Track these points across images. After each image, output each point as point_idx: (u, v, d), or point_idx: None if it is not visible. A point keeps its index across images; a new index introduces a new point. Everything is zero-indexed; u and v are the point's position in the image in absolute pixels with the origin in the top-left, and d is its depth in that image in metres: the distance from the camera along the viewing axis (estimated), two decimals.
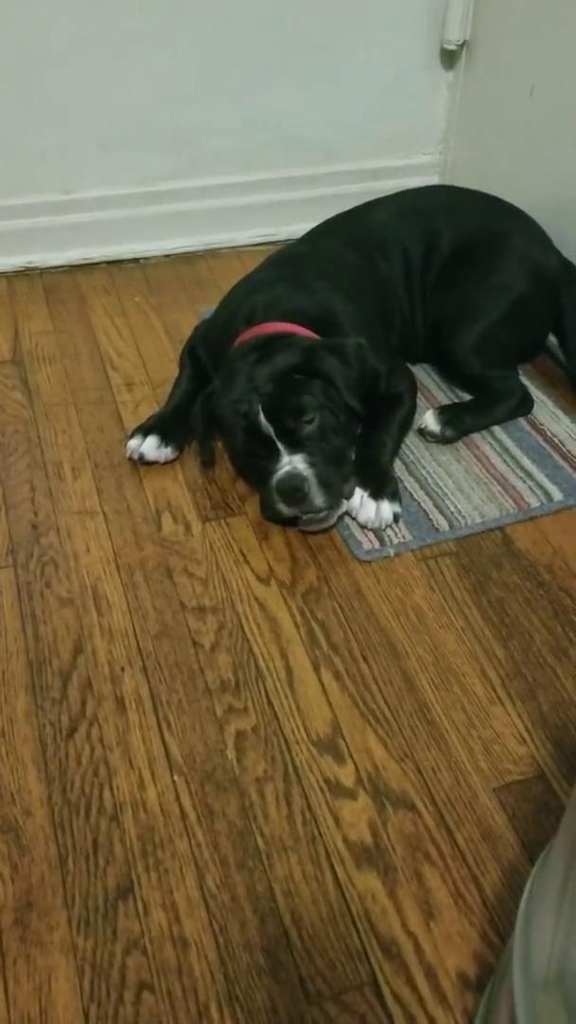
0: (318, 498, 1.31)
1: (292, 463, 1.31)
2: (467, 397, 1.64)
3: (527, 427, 1.58)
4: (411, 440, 1.55)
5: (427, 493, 1.45)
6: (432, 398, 1.65)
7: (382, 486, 1.39)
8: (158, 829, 1.01)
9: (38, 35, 1.81)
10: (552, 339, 1.72)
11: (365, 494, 1.38)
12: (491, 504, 1.42)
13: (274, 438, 1.32)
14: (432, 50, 2.05)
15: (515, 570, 1.32)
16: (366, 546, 1.36)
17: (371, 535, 1.37)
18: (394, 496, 1.40)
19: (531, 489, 1.45)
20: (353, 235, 1.64)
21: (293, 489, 1.30)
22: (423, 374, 1.70)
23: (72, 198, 2.02)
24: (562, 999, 0.60)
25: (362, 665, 1.19)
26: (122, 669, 1.19)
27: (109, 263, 2.08)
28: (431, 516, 1.41)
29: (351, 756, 1.09)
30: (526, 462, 1.51)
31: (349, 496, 1.38)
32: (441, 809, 1.03)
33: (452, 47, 2.02)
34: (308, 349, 1.36)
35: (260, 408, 1.32)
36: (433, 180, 2.20)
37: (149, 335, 1.84)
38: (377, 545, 1.36)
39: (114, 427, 1.59)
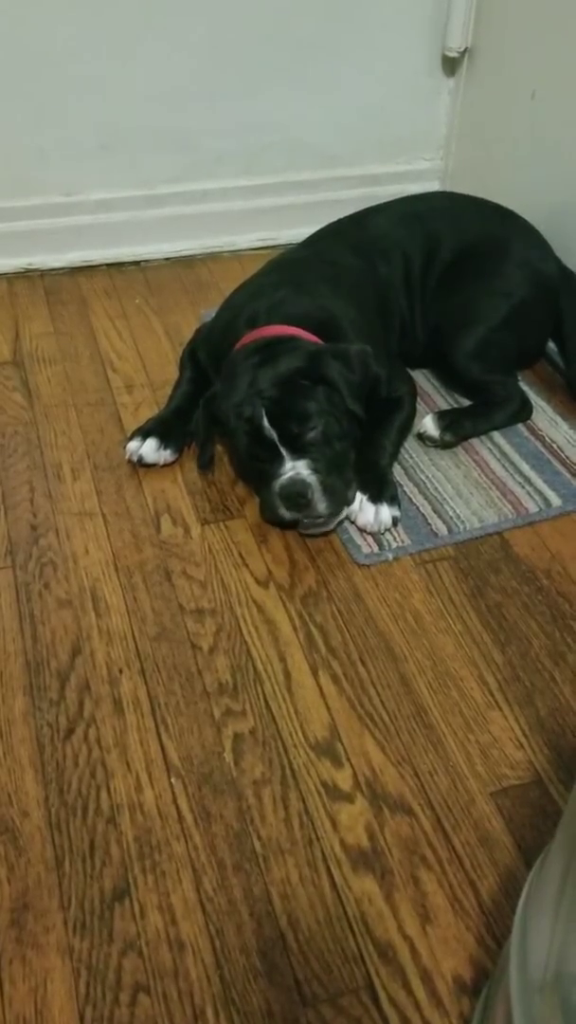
0: (321, 504, 1.31)
1: (296, 469, 1.31)
2: (466, 402, 1.65)
3: (526, 433, 1.59)
4: (410, 445, 1.55)
5: (426, 498, 1.45)
6: (432, 403, 1.66)
7: (381, 490, 1.39)
8: (155, 831, 1.01)
9: (40, 37, 1.82)
10: (551, 345, 1.72)
11: (364, 498, 1.38)
12: (490, 509, 1.43)
13: (277, 443, 1.32)
14: (434, 56, 2.06)
15: (513, 575, 1.33)
16: (365, 550, 1.36)
17: (370, 539, 1.37)
18: (393, 500, 1.40)
19: (530, 495, 1.45)
20: (354, 240, 1.64)
21: (297, 495, 1.30)
22: (423, 379, 1.71)
23: (73, 200, 2.02)
24: (559, 1002, 0.60)
25: (360, 669, 1.19)
26: (120, 671, 1.19)
27: (110, 265, 2.08)
28: (430, 521, 1.41)
29: (349, 760, 1.09)
30: (525, 468, 1.51)
31: (351, 502, 1.38)
32: (438, 813, 1.03)
33: (454, 54, 2.02)
34: (312, 354, 1.36)
35: (264, 412, 1.32)
36: (434, 186, 2.21)
37: (149, 337, 1.84)
38: (376, 549, 1.36)
39: (114, 429, 1.59)
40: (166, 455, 1.49)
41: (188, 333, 1.73)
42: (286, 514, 1.33)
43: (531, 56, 1.84)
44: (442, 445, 1.54)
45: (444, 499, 1.45)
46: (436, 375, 1.72)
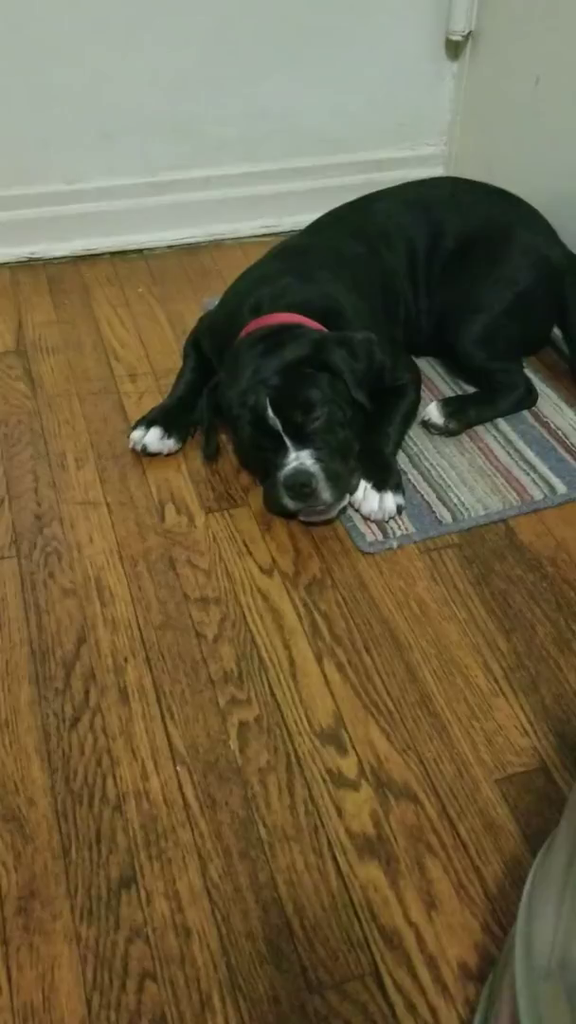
0: (325, 493, 1.31)
1: (299, 458, 1.31)
2: (471, 389, 1.64)
3: (531, 420, 1.58)
4: (415, 432, 1.55)
5: (430, 485, 1.45)
6: (436, 390, 1.65)
7: (386, 478, 1.39)
8: (161, 819, 1.02)
9: (42, 24, 1.81)
10: (556, 332, 1.71)
11: (368, 486, 1.38)
12: (494, 496, 1.42)
13: (281, 432, 1.32)
14: (437, 40, 2.05)
15: (518, 563, 1.32)
16: (369, 538, 1.35)
17: (374, 527, 1.37)
18: (397, 488, 1.40)
19: (534, 482, 1.45)
20: (358, 226, 1.63)
21: (301, 485, 1.29)
22: (427, 366, 1.70)
23: (75, 188, 2.01)
24: (563, 989, 0.60)
25: (365, 656, 1.19)
26: (125, 660, 1.19)
27: (112, 254, 2.08)
28: (434, 508, 1.40)
29: (353, 747, 1.09)
30: (530, 455, 1.50)
31: (354, 490, 1.38)
32: (443, 800, 1.04)
33: (457, 37, 2.01)
34: (317, 342, 1.35)
35: (267, 401, 1.31)
36: (438, 171, 2.19)
37: (152, 326, 1.84)
38: (380, 537, 1.36)
39: (117, 418, 1.59)
40: (170, 444, 1.49)
41: (191, 321, 1.72)
42: (290, 504, 1.33)
43: (535, 40, 1.82)
44: (447, 433, 1.54)
45: (448, 486, 1.44)
46: (440, 362, 1.71)
